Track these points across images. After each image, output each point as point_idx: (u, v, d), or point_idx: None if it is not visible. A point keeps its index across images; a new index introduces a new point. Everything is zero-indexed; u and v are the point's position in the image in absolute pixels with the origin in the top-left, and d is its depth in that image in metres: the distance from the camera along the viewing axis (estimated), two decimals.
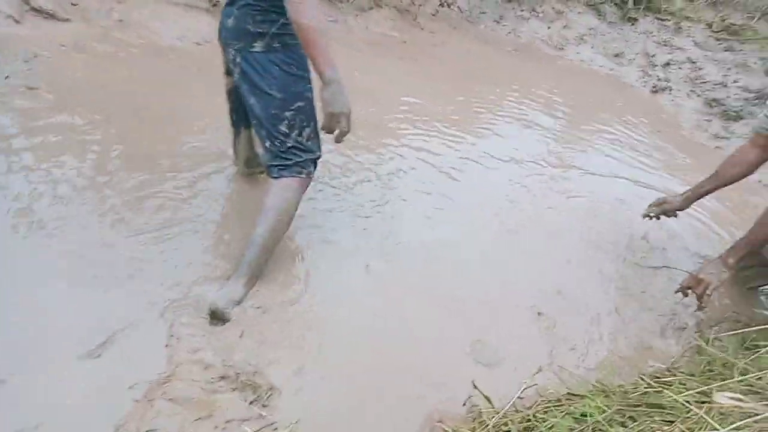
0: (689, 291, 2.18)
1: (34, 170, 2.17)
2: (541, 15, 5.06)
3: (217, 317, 1.76)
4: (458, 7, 4.99)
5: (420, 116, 3.32)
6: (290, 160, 1.87)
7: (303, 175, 1.90)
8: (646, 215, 2.53)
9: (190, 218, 2.14)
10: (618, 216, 2.84)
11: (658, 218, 2.51)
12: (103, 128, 2.51)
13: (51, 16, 3.33)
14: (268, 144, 1.88)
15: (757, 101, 4.17)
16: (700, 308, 2.18)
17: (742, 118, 4.10)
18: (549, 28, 4.99)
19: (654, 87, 4.53)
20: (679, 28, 4.86)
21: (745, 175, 2.26)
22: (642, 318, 2.23)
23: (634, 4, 4.97)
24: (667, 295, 2.34)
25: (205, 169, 2.42)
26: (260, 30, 1.75)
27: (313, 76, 1.76)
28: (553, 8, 5.08)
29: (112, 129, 2.53)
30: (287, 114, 1.82)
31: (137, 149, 2.43)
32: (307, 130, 1.88)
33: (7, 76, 2.70)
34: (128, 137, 2.49)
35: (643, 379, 1.81)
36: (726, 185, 2.31)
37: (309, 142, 1.90)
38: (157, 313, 1.74)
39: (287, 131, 1.84)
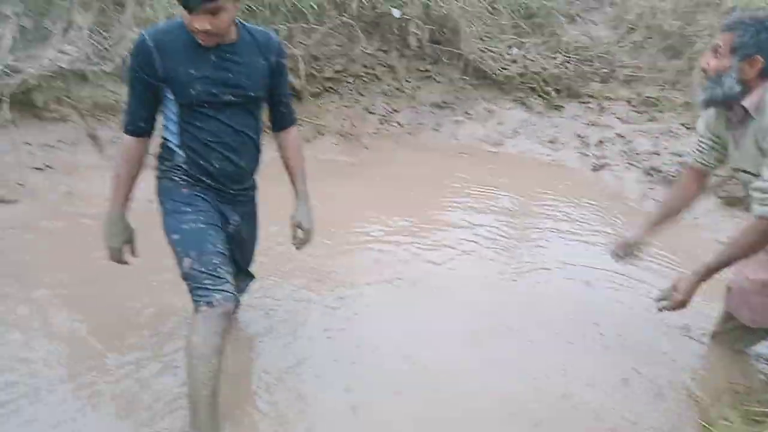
0: (665, 303, 2.25)
1: None
2: (474, 116, 5.37)
3: None
4: (397, 122, 5.27)
5: (377, 235, 3.37)
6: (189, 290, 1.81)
7: (196, 307, 1.76)
8: (616, 258, 2.60)
9: None
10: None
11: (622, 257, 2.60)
12: (61, 306, 2.42)
13: None
14: None
15: None
16: (675, 307, 2.22)
17: None
18: (484, 127, 5.29)
19: (593, 165, 4.78)
20: (602, 107, 5.24)
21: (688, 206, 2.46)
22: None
23: (557, 93, 5.36)
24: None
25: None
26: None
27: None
28: (484, 108, 5.41)
29: (69, 305, 2.44)
30: (170, 246, 1.83)
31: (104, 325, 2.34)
32: (185, 262, 1.78)
33: None
34: (91, 312, 2.40)
35: None
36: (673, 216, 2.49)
37: (191, 273, 1.77)
38: None
39: (176, 262, 1.82)
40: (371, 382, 2.17)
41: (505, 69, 5.32)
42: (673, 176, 4.36)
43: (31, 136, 3.67)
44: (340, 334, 2.46)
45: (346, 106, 5.14)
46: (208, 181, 1.88)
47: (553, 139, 5.12)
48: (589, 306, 2.84)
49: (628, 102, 5.18)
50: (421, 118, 5.33)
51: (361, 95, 5.23)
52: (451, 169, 4.59)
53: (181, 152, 1.84)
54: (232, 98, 1.80)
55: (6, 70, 3.49)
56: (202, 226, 1.82)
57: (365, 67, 5.20)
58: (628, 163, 4.67)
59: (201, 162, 1.84)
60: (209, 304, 1.71)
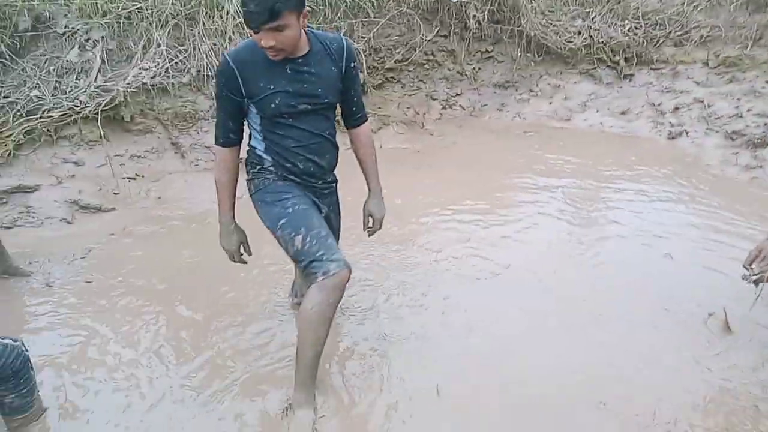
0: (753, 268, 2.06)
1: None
2: (539, 93, 5.26)
3: None
4: (460, 105, 5.26)
5: (447, 220, 3.42)
6: (303, 268, 1.92)
7: (310, 278, 1.87)
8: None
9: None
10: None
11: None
12: (162, 305, 2.66)
13: (98, 209, 3.66)
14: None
15: None
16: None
17: None
18: (550, 103, 5.17)
19: (670, 134, 4.56)
20: (677, 72, 4.97)
21: None
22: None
23: (626, 62, 5.14)
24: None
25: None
26: (247, 177, 2.07)
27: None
28: (549, 84, 5.29)
29: (170, 305, 2.67)
30: (277, 234, 1.96)
31: (202, 324, 2.55)
32: (297, 239, 1.89)
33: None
34: (187, 314, 2.63)
35: None
36: None
37: (305, 249, 1.88)
38: None
39: (285, 247, 1.94)
40: (453, 359, 2.24)
41: (570, 42, 5.16)
42: (759, 139, 4.10)
43: (122, 148, 4.01)
44: (420, 310, 2.56)
45: (408, 95, 5.19)
46: (296, 179, 2.03)
47: (625, 110, 4.92)
48: (672, 280, 2.75)
49: (706, 64, 4.88)
50: (484, 99, 5.29)
51: (423, 82, 5.26)
52: (517, 148, 4.54)
53: (267, 157, 2.01)
54: (309, 107, 1.94)
55: (97, 90, 3.82)
56: (304, 206, 1.98)
57: (425, 54, 5.22)
58: (708, 129, 4.42)
59: (287, 164, 2.00)
60: (325, 273, 1.83)
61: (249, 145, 2.06)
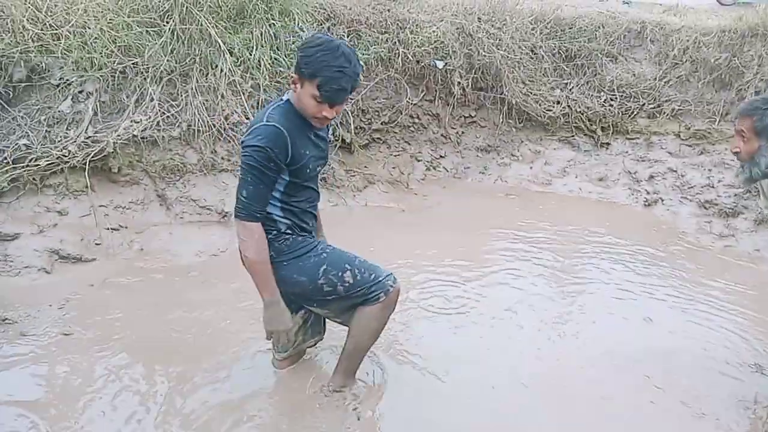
0: None
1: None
2: (520, 158, 5.44)
3: None
4: (444, 167, 5.39)
5: (426, 278, 3.45)
6: (357, 298, 2.12)
7: (372, 302, 2.12)
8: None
9: None
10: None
11: None
12: (138, 360, 2.60)
13: (78, 259, 3.61)
14: (334, 303, 2.16)
15: (747, 194, 4.33)
16: None
17: (739, 213, 4.22)
18: (531, 168, 5.34)
19: (646, 201, 4.73)
20: (651, 143, 5.20)
21: None
22: None
23: (602, 131, 5.37)
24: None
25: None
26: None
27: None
28: (530, 150, 5.48)
29: (149, 361, 2.61)
30: (319, 281, 2.09)
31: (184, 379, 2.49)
32: (347, 275, 2.09)
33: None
34: (167, 371, 2.56)
35: None
36: None
37: (359, 280, 2.10)
38: None
39: (332, 289, 2.09)
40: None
41: (549, 110, 5.39)
42: (730, 209, 4.27)
43: (107, 199, 3.99)
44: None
45: (394, 155, 5.32)
46: (308, 236, 2.18)
47: (603, 177, 5.10)
48: (650, 346, 2.79)
49: (678, 136, 5.13)
50: (467, 162, 5.44)
51: (408, 144, 5.40)
52: (499, 211, 4.64)
53: (285, 220, 2.09)
54: (321, 168, 2.14)
55: (87, 141, 3.85)
56: (330, 248, 2.18)
57: (411, 117, 5.38)
58: (682, 197, 4.60)
59: (302, 224, 2.13)
60: (387, 293, 2.10)
61: (267, 213, 2.05)
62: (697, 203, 4.47)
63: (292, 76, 1.96)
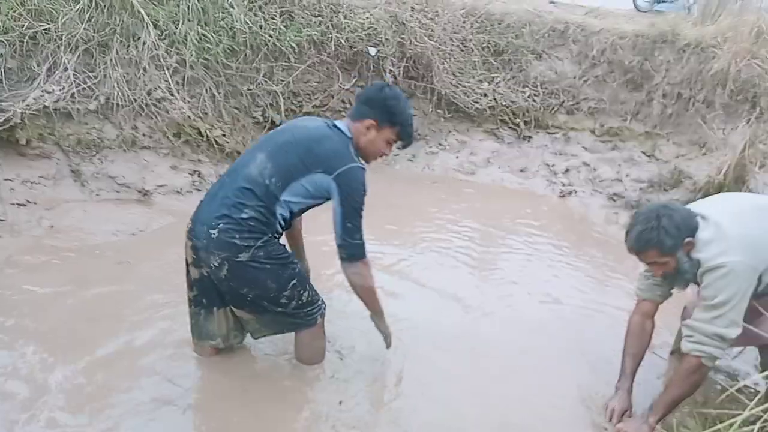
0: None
1: None
2: (448, 147, 5.58)
3: None
4: None
5: None
6: (299, 318, 2.29)
7: (312, 324, 2.34)
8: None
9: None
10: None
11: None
12: (44, 345, 2.48)
13: None
14: (273, 315, 2.25)
15: (651, 189, 4.68)
16: None
17: (643, 206, 4.55)
18: (457, 157, 5.49)
19: (561, 192, 5.00)
20: (568, 137, 5.49)
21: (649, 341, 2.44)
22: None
23: (525, 124, 5.61)
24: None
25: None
26: (246, 244, 2.10)
27: None
28: (456, 140, 5.63)
29: (54, 346, 2.49)
30: (285, 293, 2.20)
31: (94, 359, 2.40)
32: (305, 294, 2.26)
33: None
34: (74, 355, 2.46)
35: None
36: (642, 354, 2.43)
37: (307, 299, 2.27)
38: None
39: (287, 302, 2.21)
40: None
41: (477, 102, 5.56)
42: (636, 201, 4.59)
43: (13, 172, 3.74)
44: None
45: None
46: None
47: (524, 168, 5.34)
48: (558, 324, 3.00)
49: (593, 132, 5.44)
50: (396, 149, 5.51)
51: None
52: (426, 197, 4.75)
53: (283, 225, 2.22)
54: None
55: None
56: (299, 266, 2.33)
57: (343, 102, 5.39)
58: (594, 190, 4.90)
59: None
60: (322, 315, 2.37)
61: (271, 215, 2.13)
62: (606, 195, 4.78)
63: (367, 122, 2.20)
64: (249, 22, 4.60)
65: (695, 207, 2.20)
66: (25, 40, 3.86)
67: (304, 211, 2.28)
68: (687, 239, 2.05)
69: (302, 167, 2.12)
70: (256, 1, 4.80)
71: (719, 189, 4.09)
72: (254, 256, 2.11)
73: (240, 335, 2.46)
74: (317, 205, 2.24)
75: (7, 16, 3.75)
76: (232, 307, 2.31)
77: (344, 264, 2.22)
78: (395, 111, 2.20)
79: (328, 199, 2.17)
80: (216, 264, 2.13)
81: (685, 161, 4.81)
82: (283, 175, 2.11)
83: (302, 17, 4.97)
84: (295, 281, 2.22)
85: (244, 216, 2.09)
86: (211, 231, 2.10)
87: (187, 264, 2.29)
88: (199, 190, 4.23)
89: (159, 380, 2.33)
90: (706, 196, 4.20)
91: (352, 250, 2.18)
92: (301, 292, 2.25)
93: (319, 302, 2.36)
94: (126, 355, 2.46)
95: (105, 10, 4.08)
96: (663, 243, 2.03)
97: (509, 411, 2.38)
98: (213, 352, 2.46)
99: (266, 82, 4.83)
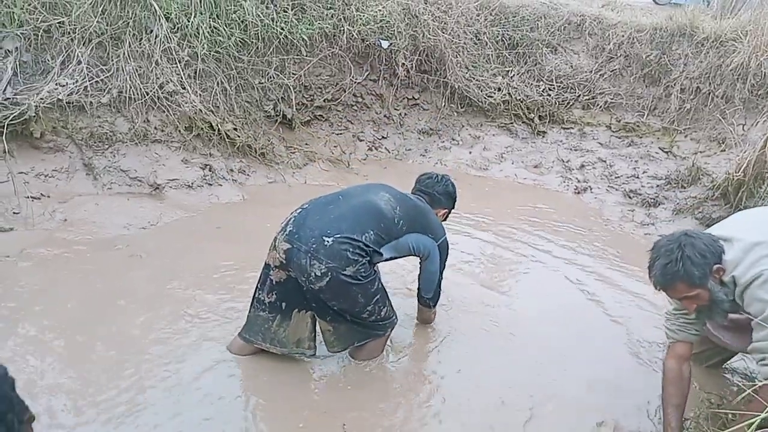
0: None
1: None
2: (460, 143, 5.53)
3: None
4: (385, 148, 5.41)
5: None
6: (373, 329, 2.46)
7: (381, 336, 2.52)
8: None
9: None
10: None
11: None
12: (63, 336, 2.49)
13: None
14: (349, 325, 2.39)
15: (667, 186, 4.60)
16: None
17: (660, 204, 4.48)
18: (470, 152, 5.44)
19: (576, 188, 4.93)
20: (584, 133, 5.41)
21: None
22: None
23: (540, 119, 5.53)
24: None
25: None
26: (355, 259, 2.24)
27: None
28: (470, 135, 5.58)
29: (67, 337, 2.50)
30: (369, 308, 2.36)
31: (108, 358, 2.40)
32: (384, 309, 2.43)
33: None
34: (87, 347, 2.47)
35: None
36: (685, 402, 2.16)
37: (385, 314, 2.44)
38: None
39: (367, 316, 2.37)
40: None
41: (490, 96, 5.49)
42: (652, 199, 4.52)
43: (27, 165, 3.77)
44: None
45: (336, 134, 5.29)
46: None
47: (538, 164, 5.27)
48: (570, 323, 2.95)
49: (609, 127, 5.36)
50: (409, 144, 5.48)
51: (351, 123, 5.38)
52: None
53: (379, 264, 2.46)
54: None
55: (5, 102, 3.60)
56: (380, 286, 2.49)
57: (354, 96, 5.36)
58: (609, 186, 4.83)
59: None
60: (393, 329, 2.55)
61: (376, 251, 2.32)
62: (622, 192, 4.70)
63: (443, 211, 2.84)
64: (261, 15, 4.58)
65: (714, 231, 2.06)
66: (39, 34, 3.87)
67: (384, 260, 2.46)
68: (715, 266, 1.90)
69: (419, 227, 2.49)
70: None
71: (738, 186, 4.00)
72: (357, 272, 2.24)
73: (313, 347, 2.46)
74: (393, 259, 2.50)
75: (22, 9, 3.76)
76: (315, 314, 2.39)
77: (427, 309, 2.76)
78: (455, 197, 2.86)
79: (410, 255, 2.53)
80: (317, 273, 2.20)
81: (704, 158, 4.72)
82: (408, 222, 2.44)
83: (314, 10, 4.93)
84: (378, 296, 2.39)
85: (363, 238, 2.26)
86: (326, 238, 2.20)
87: (268, 267, 2.33)
88: (210, 184, 4.24)
89: (170, 377, 2.32)
90: (724, 194, 4.17)
91: (436, 299, 2.71)
92: (381, 307, 2.42)
93: (393, 318, 2.53)
94: (137, 350, 2.46)
95: (118, 3, 4.07)
96: (691, 274, 1.88)
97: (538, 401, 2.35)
98: (252, 350, 2.46)
99: (278, 75, 4.80)
